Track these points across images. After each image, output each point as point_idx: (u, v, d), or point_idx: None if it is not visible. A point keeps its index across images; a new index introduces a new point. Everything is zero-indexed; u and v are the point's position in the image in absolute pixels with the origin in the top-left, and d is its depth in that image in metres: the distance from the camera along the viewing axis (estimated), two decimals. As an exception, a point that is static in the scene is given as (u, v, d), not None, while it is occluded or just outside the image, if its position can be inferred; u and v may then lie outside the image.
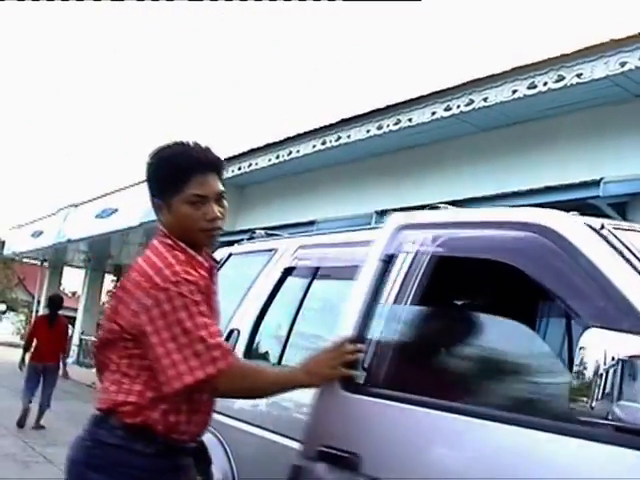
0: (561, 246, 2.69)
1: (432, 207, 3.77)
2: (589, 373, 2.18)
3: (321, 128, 12.99)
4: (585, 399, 2.19)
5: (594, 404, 2.17)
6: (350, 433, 3.06)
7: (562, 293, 2.71)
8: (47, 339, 13.17)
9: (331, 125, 12.73)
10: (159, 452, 2.80)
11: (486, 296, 3.81)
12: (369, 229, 4.33)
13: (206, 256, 3.04)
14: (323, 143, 12.93)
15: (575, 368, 2.23)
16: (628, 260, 2.55)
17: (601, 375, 2.16)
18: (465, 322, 3.46)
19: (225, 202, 3.00)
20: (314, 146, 13.17)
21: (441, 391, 2.97)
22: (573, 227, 2.79)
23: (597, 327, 2.34)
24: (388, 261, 3.33)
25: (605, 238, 2.67)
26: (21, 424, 12.65)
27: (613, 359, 2.15)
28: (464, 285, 3.76)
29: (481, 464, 2.58)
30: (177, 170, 2.90)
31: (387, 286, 3.28)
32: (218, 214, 2.93)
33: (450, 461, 2.71)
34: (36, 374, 13.16)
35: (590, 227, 2.76)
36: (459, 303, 3.89)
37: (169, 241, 2.92)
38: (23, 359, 13.73)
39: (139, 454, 2.77)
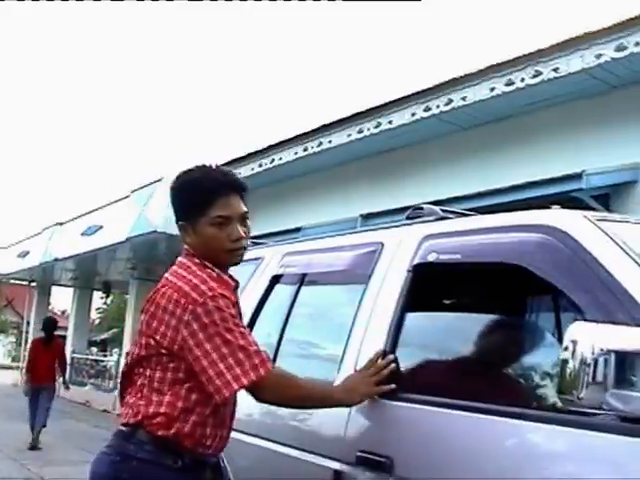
0: (568, 245, 2.74)
1: (416, 208, 3.80)
2: (578, 364, 2.21)
3: (302, 134, 13.01)
4: (575, 390, 2.22)
5: (583, 394, 2.20)
6: (384, 437, 3.16)
7: (572, 291, 2.74)
8: (43, 361, 13.42)
9: (312, 131, 12.75)
10: (186, 467, 2.88)
11: (505, 299, 3.83)
12: (353, 233, 4.33)
13: (228, 275, 3.13)
14: (305, 149, 12.95)
15: (563, 360, 2.25)
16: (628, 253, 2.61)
17: (589, 365, 2.18)
18: (489, 326, 3.52)
19: (249, 222, 3.11)
20: (296, 153, 13.18)
21: (464, 392, 3.03)
22: (577, 224, 2.83)
23: (586, 320, 2.39)
24: (415, 271, 3.38)
25: (605, 231, 2.73)
26: (34, 445, 12.90)
27: (602, 350, 2.18)
28: (484, 290, 3.78)
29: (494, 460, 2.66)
30: (201, 193, 3.01)
31: (414, 295, 3.37)
32: (242, 234, 3.03)
33: (467, 458, 2.78)
34: (34, 395, 13.42)
35: (590, 221, 2.81)
36: (478, 307, 3.92)
37: (197, 260, 3.03)
38: (27, 383, 13.88)
39: (168, 469, 2.85)
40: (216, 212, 2.98)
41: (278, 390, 2.95)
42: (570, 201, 7.81)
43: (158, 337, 2.90)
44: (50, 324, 14.30)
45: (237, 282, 3.19)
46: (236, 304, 3.03)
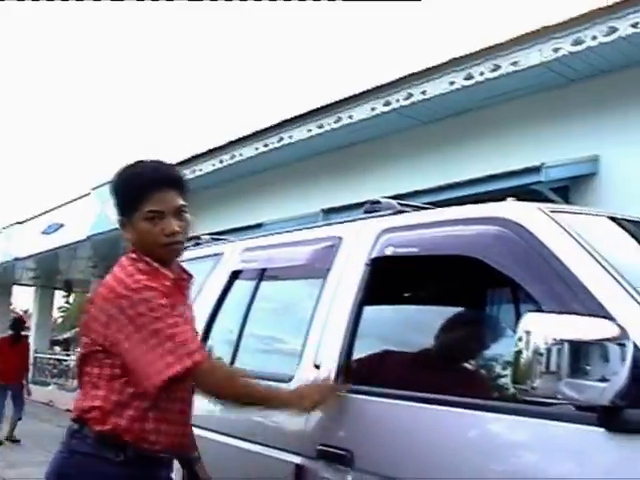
0: (522, 236, 2.76)
1: (373, 202, 3.81)
2: (531, 354, 2.22)
3: (263, 130, 12.98)
4: (529, 380, 2.24)
5: (537, 384, 2.22)
6: (344, 431, 3.18)
7: (527, 282, 2.76)
8: (10, 360, 13.57)
9: (272, 127, 12.73)
10: (129, 461, 2.85)
11: (463, 292, 3.85)
12: (312, 228, 4.33)
13: (178, 269, 3.13)
14: (265, 145, 12.92)
15: (517, 351, 2.27)
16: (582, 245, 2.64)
17: (542, 355, 2.20)
18: (447, 318, 3.54)
19: (187, 216, 3.07)
20: (257, 149, 13.15)
21: (423, 385, 3.04)
22: (531, 216, 2.85)
23: (541, 311, 2.42)
24: (372, 265, 3.39)
25: (559, 223, 2.75)
26: (9, 437, 13.54)
27: (555, 340, 2.19)
28: (441, 283, 3.80)
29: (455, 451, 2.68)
30: (133, 188, 2.99)
31: (372, 289, 3.38)
32: (176, 228, 2.98)
33: (428, 450, 2.79)
34: (2, 393, 13.76)
35: (544, 213, 2.83)
36: (435, 300, 3.93)
37: (133, 255, 3.01)
38: None
39: (109, 462, 2.83)
40: (148, 207, 2.95)
41: (215, 379, 2.92)
42: (530, 194, 7.85)
43: (93, 335, 2.91)
44: (18, 323, 14.72)
45: (189, 275, 3.21)
46: (176, 297, 2.99)
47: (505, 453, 2.51)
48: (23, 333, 14.90)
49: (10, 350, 13.73)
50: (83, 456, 2.85)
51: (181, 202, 3.04)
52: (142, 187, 2.97)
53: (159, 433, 2.91)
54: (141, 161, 3.09)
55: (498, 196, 3.29)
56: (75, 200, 20.91)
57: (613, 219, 3.31)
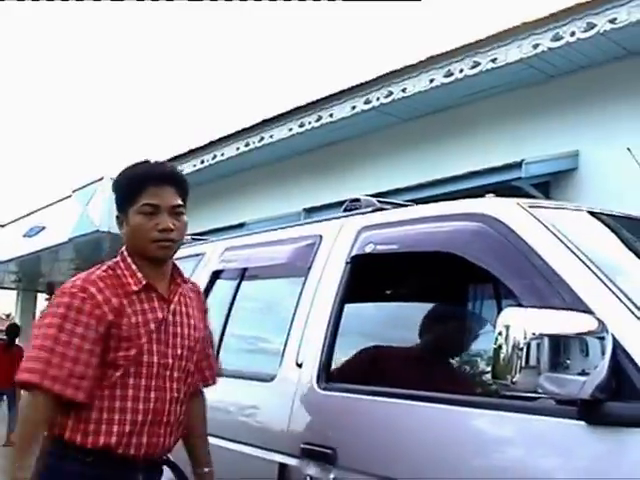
0: (501, 232, 2.77)
1: (353, 200, 3.81)
2: (511, 349, 2.23)
3: (243, 130, 12.96)
4: (509, 375, 2.24)
5: (517, 378, 2.22)
6: (327, 429, 3.19)
7: (506, 278, 2.77)
8: (4, 366, 13.45)
9: (253, 126, 12.70)
10: (86, 461, 2.81)
11: (443, 288, 3.86)
12: (292, 226, 4.33)
13: (174, 272, 3.12)
14: (247, 145, 12.90)
15: (497, 345, 2.27)
16: (561, 240, 2.66)
17: (522, 349, 2.20)
18: (428, 314, 3.55)
19: (184, 217, 3.03)
20: (238, 148, 13.13)
21: (405, 381, 3.05)
22: (510, 212, 2.86)
23: (521, 305, 2.43)
24: (353, 262, 3.41)
25: (537, 218, 2.76)
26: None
27: (534, 334, 2.20)
28: (421, 279, 3.80)
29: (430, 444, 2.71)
30: (132, 181, 3.00)
31: (353, 286, 3.39)
32: (171, 225, 2.93)
33: (411, 446, 2.80)
34: None
35: (523, 208, 2.85)
36: (416, 296, 3.94)
37: (116, 258, 3.03)
38: None
39: (81, 462, 2.81)
40: (144, 200, 2.92)
41: (30, 410, 2.77)
42: (510, 190, 7.87)
43: None
44: (13, 329, 14.99)
45: (184, 280, 3.17)
46: (144, 303, 2.93)
47: (487, 448, 2.52)
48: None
49: (4, 356, 13.77)
50: (49, 455, 2.84)
51: (179, 201, 3.01)
52: (140, 180, 2.97)
53: (110, 435, 2.81)
54: (146, 160, 3.11)
55: (479, 193, 3.31)
56: (56, 202, 20.81)
57: (592, 214, 3.32)
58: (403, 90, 10.00)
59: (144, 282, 2.95)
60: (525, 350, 2.20)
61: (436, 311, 3.58)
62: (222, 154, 13.54)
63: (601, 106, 8.60)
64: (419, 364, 3.40)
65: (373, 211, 3.64)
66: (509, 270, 2.71)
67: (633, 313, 2.33)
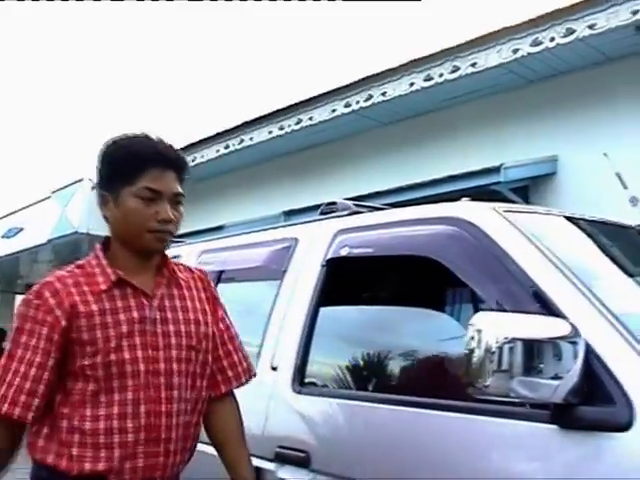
0: (476, 236, 2.77)
1: (329, 203, 3.82)
2: (483, 353, 2.23)
3: (223, 132, 12.96)
4: (481, 379, 2.24)
5: (489, 382, 2.22)
6: (301, 432, 3.16)
7: (480, 282, 2.77)
8: None
9: (233, 128, 12.70)
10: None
11: (418, 292, 3.87)
12: (268, 229, 4.33)
13: (164, 266, 2.74)
14: (226, 147, 12.89)
15: (469, 350, 2.27)
16: (535, 244, 2.67)
17: (494, 353, 2.20)
18: (403, 318, 3.55)
19: (182, 208, 2.70)
20: (218, 151, 13.12)
21: (379, 385, 3.06)
22: (485, 216, 2.87)
23: (493, 309, 2.43)
24: (328, 266, 3.41)
25: (512, 223, 2.77)
26: None
27: (506, 338, 2.20)
28: (397, 283, 3.81)
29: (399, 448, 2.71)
30: (132, 158, 2.57)
31: (328, 289, 3.38)
32: (171, 216, 2.60)
33: (384, 450, 2.79)
34: None
35: (497, 212, 2.86)
36: (391, 300, 3.94)
37: (95, 252, 2.66)
38: None
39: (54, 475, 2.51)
40: (145, 183, 2.54)
41: None
42: (489, 194, 7.90)
43: None
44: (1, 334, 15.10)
45: (173, 274, 2.78)
46: (117, 301, 2.55)
47: (460, 452, 2.52)
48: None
49: None
50: (33, 469, 2.58)
51: (180, 189, 2.66)
52: (144, 158, 2.57)
53: (83, 460, 2.46)
54: (144, 133, 2.66)
55: (458, 197, 3.31)
56: (35, 204, 20.72)
57: (569, 219, 3.33)
58: (383, 94, 10.03)
59: (113, 278, 2.57)
60: (497, 354, 2.20)
61: (411, 315, 3.57)
62: (202, 156, 13.51)
63: (580, 111, 8.66)
64: (393, 367, 3.40)
65: (349, 214, 3.64)
66: (483, 274, 2.72)
67: (606, 318, 2.34)
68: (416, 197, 8.39)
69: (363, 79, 10.32)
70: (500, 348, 2.20)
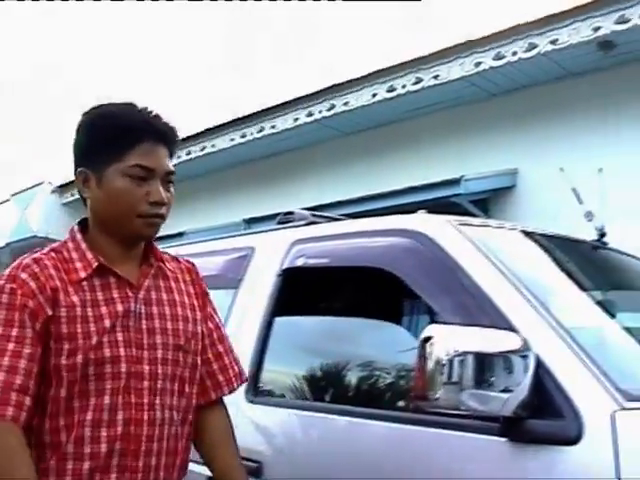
0: (430, 249, 2.78)
1: (286, 213, 3.82)
2: (433, 365, 2.23)
3: (185, 138, 12.87)
4: (431, 391, 2.25)
5: (439, 394, 2.22)
6: (254, 442, 3.12)
7: (434, 294, 2.78)
8: None
9: (195, 135, 12.65)
10: None
11: (373, 303, 3.88)
12: (226, 237, 4.31)
13: (150, 253, 2.40)
14: (188, 154, 12.83)
15: (418, 361, 2.28)
16: (487, 256, 2.69)
17: (444, 366, 2.21)
18: (357, 329, 3.55)
19: (173, 189, 2.34)
20: (179, 157, 13.04)
21: (332, 396, 3.06)
22: (440, 229, 2.88)
23: (446, 322, 2.44)
24: (284, 275, 3.40)
25: (466, 236, 2.79)
26: None
27: (457, 351, 2.20)
28: (352, 294, 3.81)
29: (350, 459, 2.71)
30: (121, 129, 2.22)
31: (283, 299, 3.37)
32: (164, 198, 2.26)
33: (337, 461, 2.79)
34: None
35: (452, 225, 2.87)
36: (346, 311, 3.94)
37: (72, 234, 2.34)
38: None
39: None
40: (136, 160, 2.20)
41: None
42: (450, 206, 7.93)
43: None
44: None
45: (159, 261, 2.43)
46: (98, 292, 2.20)
47: (412, 464, 2.52)
48: None
49: None
50: None
51: (172, 168, 2.33)
52: (134, 131, 2.23)
53: (47, 474, 2.11)
54: (131, 103, 2.32)
55: (418, 208, 3.33)
56: (-6, 206, 20.55)
57: (525, 232, 3.35)
58: (345, 104, 10.06)
59: (95, 264, 2.23)
60: (448, 366, 2.20)
61: (365, 326, 3.58)
62: (164, 162, 13.45)
63: (539, 125, 8.74)
64: (346, 378, 3.40)
65: (306, 224, 3.64)
66: (436, 287, 2.73)
67: (557, 332, 2.36)
68: (377, 207, 8.43)
69: (326, 89, 10.34)
70: (451, 360, 2.20)
